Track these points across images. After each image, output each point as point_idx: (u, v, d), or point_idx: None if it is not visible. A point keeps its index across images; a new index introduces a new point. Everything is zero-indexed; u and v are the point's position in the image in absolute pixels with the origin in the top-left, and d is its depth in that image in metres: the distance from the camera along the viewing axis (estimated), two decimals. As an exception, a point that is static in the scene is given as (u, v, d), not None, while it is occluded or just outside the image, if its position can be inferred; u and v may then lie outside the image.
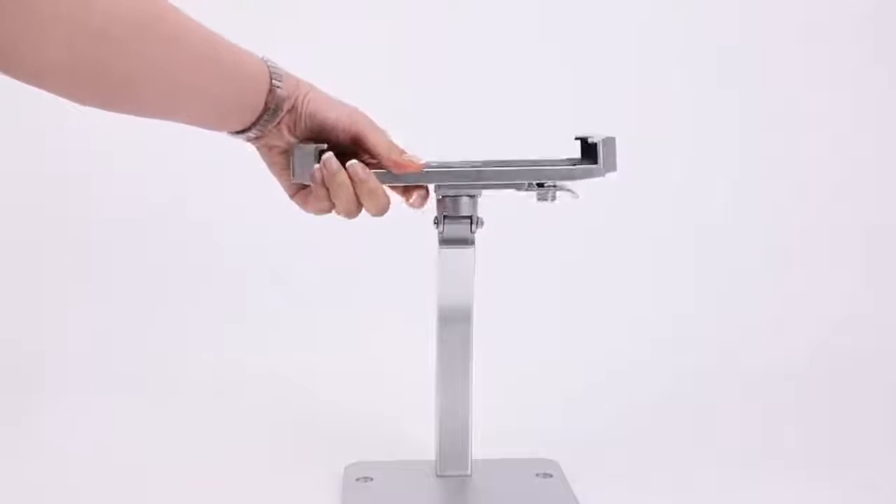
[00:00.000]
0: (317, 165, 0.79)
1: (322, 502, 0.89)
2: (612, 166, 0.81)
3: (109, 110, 0.73)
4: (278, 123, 0.80)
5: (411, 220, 0.86)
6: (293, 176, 0.80)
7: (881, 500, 0.92)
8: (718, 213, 1.40)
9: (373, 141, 0.80)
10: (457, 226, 0.83)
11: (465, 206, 0.83)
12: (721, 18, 1.41)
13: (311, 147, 0.79)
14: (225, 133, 0.80)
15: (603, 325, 1.29)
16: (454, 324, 0.86)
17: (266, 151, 0.83)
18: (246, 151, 0.84)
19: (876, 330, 1.30)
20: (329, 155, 0.78)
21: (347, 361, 1.21)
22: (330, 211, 0.81)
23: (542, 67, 1.40)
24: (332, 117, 0.80)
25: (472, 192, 0.83)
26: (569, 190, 0.82)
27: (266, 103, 0.78)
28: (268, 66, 0.78)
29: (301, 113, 0.80)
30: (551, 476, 0.91)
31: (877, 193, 1.42)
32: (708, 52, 1.41)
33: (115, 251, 1.36)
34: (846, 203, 1.41)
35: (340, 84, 0.84)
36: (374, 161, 0.81)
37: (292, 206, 0.84)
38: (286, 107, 0.79)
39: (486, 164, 0.81)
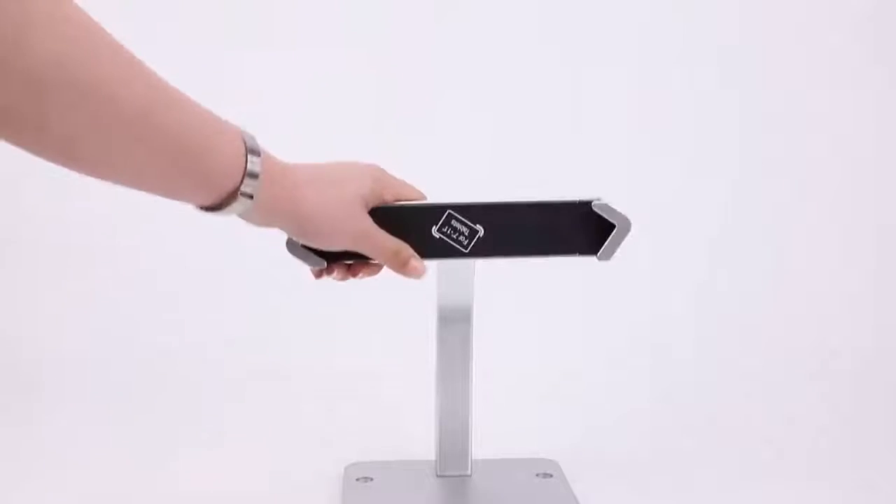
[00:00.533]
0: (318, 274, 0.81)
1: (322, 502, 0.89)
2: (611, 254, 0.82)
3: (30, 153, 0.62)
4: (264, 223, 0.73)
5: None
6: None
7: (881, 500, 0.92)
8: (718, 213, 1.39)
9: (376, 258, 0.79)
10: None
11: None
12: (721, 18, 1.41)
13: (309, 260, 0.79)
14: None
15: (603, 325, 1.29)
16: (454, 324, 0.87)
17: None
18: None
19: (876, 330, 1.30)
20: (333, 274, 0.80)
21: (347, 361, 1.21)
22: None
23: (542, 67, 1.40)
24: (331, 248, 0.78)
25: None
26: None
27: (221, 202, 0.67)
28: (245, 146, 0.67)
29: (294, 232, 0.75)
30: (551, 476, 0.91)
31: (877, 193, 1.42)
32: (708, 52, 1.41)
33: (116, 252, 1.35)
34: (846, 203, 1.41)
35: (328, 109, 0.83)
36: None
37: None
38: (264, 216, 0.71)
39: (489, 232, 0.81)
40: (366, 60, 1.37)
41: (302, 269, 0.81)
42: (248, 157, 0.67)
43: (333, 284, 0.82)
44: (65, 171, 0.62)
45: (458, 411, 0.89)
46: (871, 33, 1.42)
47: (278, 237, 0.79)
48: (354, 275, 0.81)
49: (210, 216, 0.69)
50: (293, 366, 1.21)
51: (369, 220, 0.77)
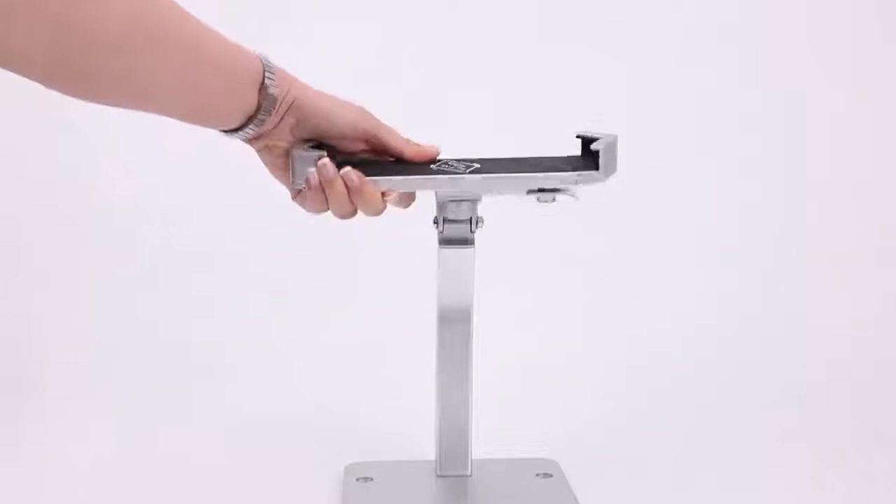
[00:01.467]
0: (312, 170, 0.79)
1: (322, 502, 0.89)
2: (612, 169, 0.81)
3: (94, 103, 0.73)
4: (280, 122, 0.80)
5: (411, 219, 0.86)
6: (293, 181, 0.80)
7: (881, 500, 0.92)
8: (718, 213, 1.40)
9: (387, 139, 0.82)
10: (457, 226, 0.83)
11: (465, 210, 0.83)
12: (721, 18, 1.41)
13: (310, 154, 0.79)
14: (218, 131, 0.80)
15: (603, 325, 1.29)
16: (454, 324, 0.86)
17: (266, 152, 0.83)
18: (244, 154, 0.84)
19: (877, 330, 1.30)
20: (325, 161, 0.78)
21: (348, 361, 1.21)
22: (326, 211, 0.81)
23: (542, 66, 1.40)
24: (340, 120, 0.81)
25: (471, 197, 0.83)
26: (571, 195, 0.82)
27: (258, 101, 0.78)
28: (262, 63, 0.78)
29: (304, 112, 0.80)
30: (551, 476, 0.91)
31: (879, 193, 1.42)
32: (708, 52, 1.41)
33: (113, 252, 1.35)
34: (847, 203, 1.41)
35: (337, 82, 0.84)
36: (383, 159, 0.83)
37: (292, 206, 0.84)
38: (281, 105, 0.79)
39: (485, 167, 0.81)
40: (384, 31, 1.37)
41: (300, 271, 0.81)
42: (261, 58, 0.79)
43: (333, 283, 0.82)
44: (64, 170, 0.65)
45: (458, 411, 0.89)
46: (871, 33, 1.43)
47: (276, 241, 0.79)
48: (353, 196, 0.80)
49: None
50: (293, 365, 1.21)
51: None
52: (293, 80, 0.80)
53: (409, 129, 0.84)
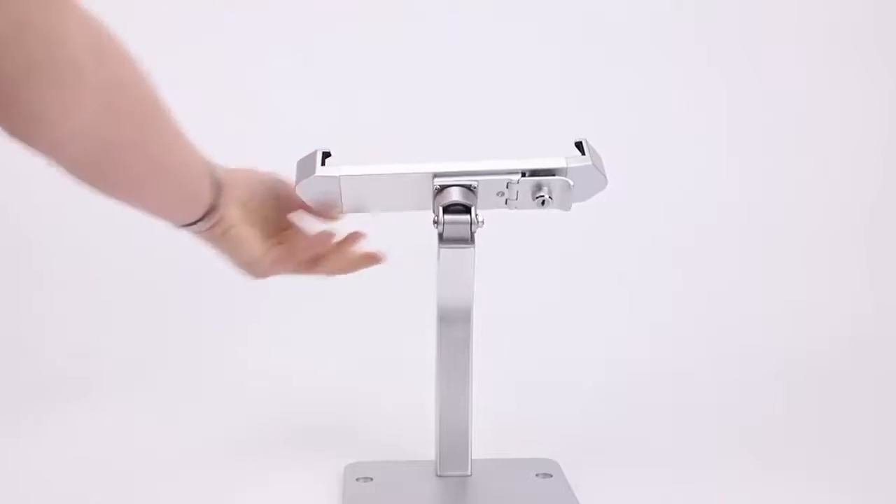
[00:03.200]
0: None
1: (322, 502, 0.89)
2: (599, 162, 0.84)
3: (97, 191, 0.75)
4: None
5: (411, 219, 0.86)
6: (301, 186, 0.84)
7: (881, 500, 0.92)
8: (718, 214, 1.39)
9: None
10: (457, 225, 0.83)
11: (461, 195, 0.82)
12: (721, 18, 1.41)
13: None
14: (179, 226, 0.84)
15: (603, 325, 1.29)
16: (454, 324, 0.86)
17: (224, 238, 0.87)
18: (244, 154, 0.85)
19: (876, 330, 1.30)
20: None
21: (348, 361, 1.21)
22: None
23: (541, 69, 1.40)
24: (259, 177, 0.88)
25: (468, 181, 0.83)
26: (562, 200, 0.82)
27: (212, 187, 0.82)
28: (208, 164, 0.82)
29: (237, 182, 0.85)
30: (551, 476, 0.91)
31: (878, 192, 1.42)
32: (707, 53, 1.41)
33: (117, 256, 1.35)
34: (846, 203, 1.41)
35: (335, 86, 0.84)
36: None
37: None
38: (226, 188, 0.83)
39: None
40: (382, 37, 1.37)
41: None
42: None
43: (333, 283, 0.82)
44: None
45: (458, 411, 0.89)
46: (872, 32, 1.43)
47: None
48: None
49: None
50: (293, 365, 1.21)
51: None
52: (219, 168, 0.84)
53: (407, 130, 0.84)
